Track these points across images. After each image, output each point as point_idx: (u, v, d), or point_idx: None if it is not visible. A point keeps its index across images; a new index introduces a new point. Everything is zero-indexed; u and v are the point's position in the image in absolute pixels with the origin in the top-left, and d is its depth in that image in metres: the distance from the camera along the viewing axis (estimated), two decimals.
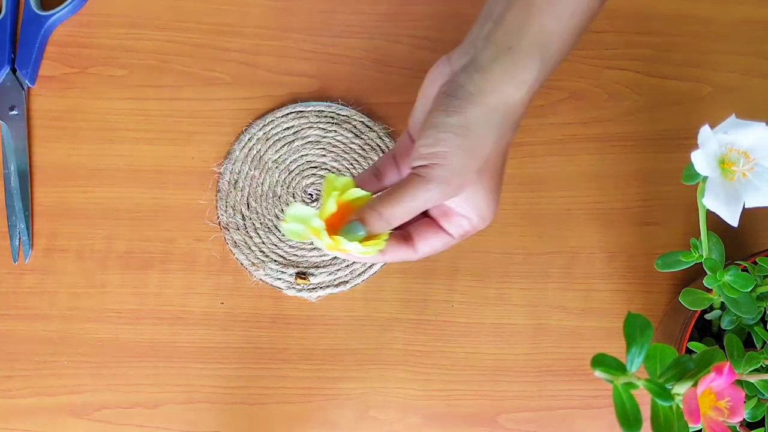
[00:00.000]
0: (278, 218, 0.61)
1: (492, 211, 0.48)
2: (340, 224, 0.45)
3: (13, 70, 0.63)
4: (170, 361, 0.58)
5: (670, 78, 0.63)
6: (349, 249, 0.44)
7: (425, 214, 0.49)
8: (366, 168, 0.59)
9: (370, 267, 0.60)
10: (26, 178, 0.61)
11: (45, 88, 0.63)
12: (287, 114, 0.62)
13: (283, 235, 0.60)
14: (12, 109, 0.62)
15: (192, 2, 0.65)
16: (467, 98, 0.44)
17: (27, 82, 0.62)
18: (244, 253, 0.60)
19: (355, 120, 0.62)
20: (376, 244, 0.45)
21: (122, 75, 0.63)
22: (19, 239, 0.60)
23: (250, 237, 0.60)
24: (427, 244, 0.48)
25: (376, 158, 0.61)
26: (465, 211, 0.47)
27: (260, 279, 0.59)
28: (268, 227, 0.60)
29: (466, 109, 0.43)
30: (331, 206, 0.45)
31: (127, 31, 0.64)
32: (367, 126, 0.62)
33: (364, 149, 0.62)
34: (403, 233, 0.48)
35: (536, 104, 0.62)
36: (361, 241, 0.45)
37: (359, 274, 0.59)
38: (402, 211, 0.45)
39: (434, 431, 0.58)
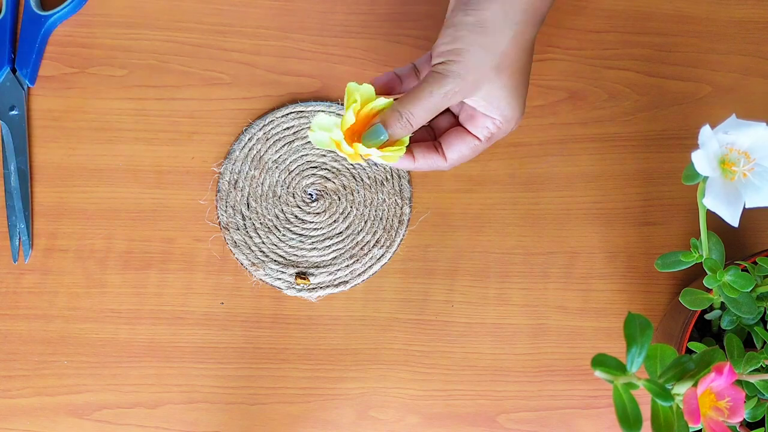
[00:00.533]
0: (278, 218, 0.61)
1: (514, 110, 0.48)
2: (364, 131, 0.46)
3: (13, 70, 0.63)
4: (170, 361, 0.58)
5: (670, 78, 0.63)
6: (370, 154, 0.46)
7: (454, 122, 0.50)
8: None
9: (370, 267, 0.60)
10: (26, 178, 0.60)
11: (45, 88, 0.63)
12: (287, 114, 0.62)
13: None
14: (12, 109, 0.62)
15: (192, 2, 0.65)
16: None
17: (27, 82, 0.62)
18: (244, 253, 0.60)
19: None
20: (396, 150, 0.46)
21: (122, 75, 0.63)
22: (19, 239, 0.60)
23: (250, 237, 0.60)
24: (455, 150, 0.49)
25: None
26: (488, 111, 0.48)
27: (260, 279, 0.59)
28: (268, 227, 0.60)
29: (484, 6, 0.45)
30: (350, 118, 0.45)
31: (127, 31, 0.64)
32: None
33: None
34: (433, 143, 0.50)
35: (536, 104, 0.62)
36: (382, 147, 0.46)
37: (359, 274, 0.59)
38: (421, 109, 0.46)
39: (434, 431, 0.58)
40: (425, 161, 0.50)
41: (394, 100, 0.48)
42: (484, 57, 0.46)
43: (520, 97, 0.49)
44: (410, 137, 0.48)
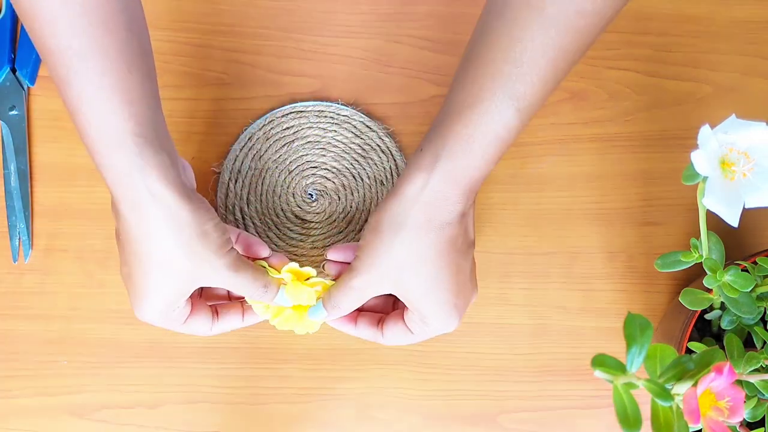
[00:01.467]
0: (278, 217, 0.61)
1: (436, 313, 0.49)
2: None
3: (13, 70, 0.63)
4: (170, 361, 0.58)
5: (670, 78, 0.63)
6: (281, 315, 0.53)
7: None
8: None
9: None
10: (26, 178, 0.60)
11: (45, 88, 0.63)
12: (287, 114, 0.62)
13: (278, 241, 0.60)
14: (12, 109, 0.62)
15: (192, 2, 0.65)
16: (384, 198, 0.48)
17: (27, 82, 0.62)
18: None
19: (355, 120, 0.62)
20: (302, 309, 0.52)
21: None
22: (19, 239, 0.60)
23: None
24: (389, 330, 0.51)
25: (375, 158, 0.61)
26: (412, 306, 0.49)
27: None
28: (268, 226, 0.60)
29: (382, 209, 0.48)
30: (282, 300, 0.52)
31: None
32: (367, 126, 0.62)
33: (364, 149, 0.62)
34: (380, 316, 0.53)
35: None
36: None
37: None
38: (343, 297, 0.50)
39: (434, 431, 0.58)
40: (364, 331, 0.53)
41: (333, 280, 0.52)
42: (379, 257, 0.47)
43: (439, 302, 0.48)
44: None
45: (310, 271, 0.51)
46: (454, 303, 0.49)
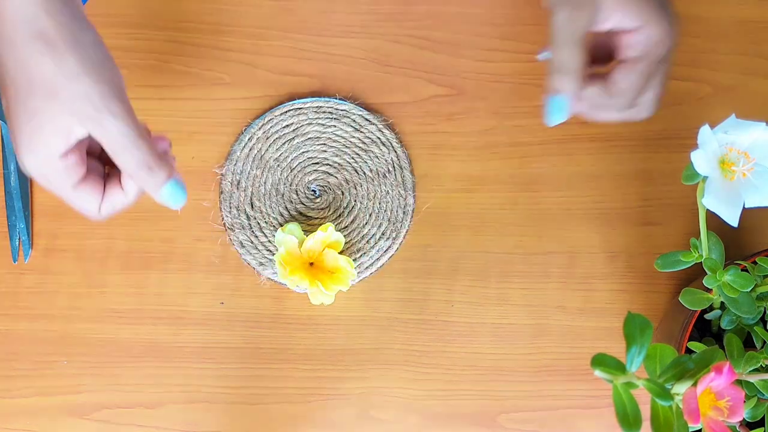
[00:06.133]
0: (282, 216, 0.61)
1: (644, 9, 0.45)
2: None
3: None
4: (170, 361, 0.58)
5: (670, 78, 0.63)
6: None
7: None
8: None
9: (371, 265, 0.60)
10: (26, 178, 0.60)
11: None
12: (286, 111, 0.62)
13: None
14: None
15: (192, 2, 0.65)
16: None
17: None
18: (251, 253, 0.60)
19: (354, 114, 0.62)
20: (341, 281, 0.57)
21: (122, 75, 0.63)
22: (19, 239, 0.60)
23: (256, 236, 0.60)
24: (618, 72, 0.47)
25: (377, 151, 0.61)
26: (623, 22, 0.46)
27: (269, 278, 0.59)
28: (273, 225, 0.60)
29: None
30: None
31: (127, 31, 0.64)
32: (366, 119, 0.62)
33: (364, 142, 0.62)
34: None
35: (536, 104, 0.62)
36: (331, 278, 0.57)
37: (366, 267, 0.59)
38: (560, 45, 0.45)
39: (434, 431, 0.58)
40: (590, 92, 0.48)
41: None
42: None
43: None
44: None
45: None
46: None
